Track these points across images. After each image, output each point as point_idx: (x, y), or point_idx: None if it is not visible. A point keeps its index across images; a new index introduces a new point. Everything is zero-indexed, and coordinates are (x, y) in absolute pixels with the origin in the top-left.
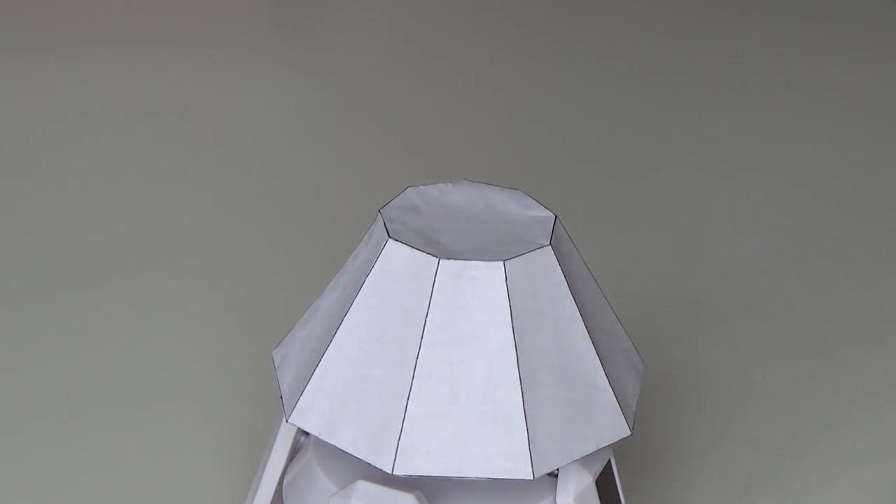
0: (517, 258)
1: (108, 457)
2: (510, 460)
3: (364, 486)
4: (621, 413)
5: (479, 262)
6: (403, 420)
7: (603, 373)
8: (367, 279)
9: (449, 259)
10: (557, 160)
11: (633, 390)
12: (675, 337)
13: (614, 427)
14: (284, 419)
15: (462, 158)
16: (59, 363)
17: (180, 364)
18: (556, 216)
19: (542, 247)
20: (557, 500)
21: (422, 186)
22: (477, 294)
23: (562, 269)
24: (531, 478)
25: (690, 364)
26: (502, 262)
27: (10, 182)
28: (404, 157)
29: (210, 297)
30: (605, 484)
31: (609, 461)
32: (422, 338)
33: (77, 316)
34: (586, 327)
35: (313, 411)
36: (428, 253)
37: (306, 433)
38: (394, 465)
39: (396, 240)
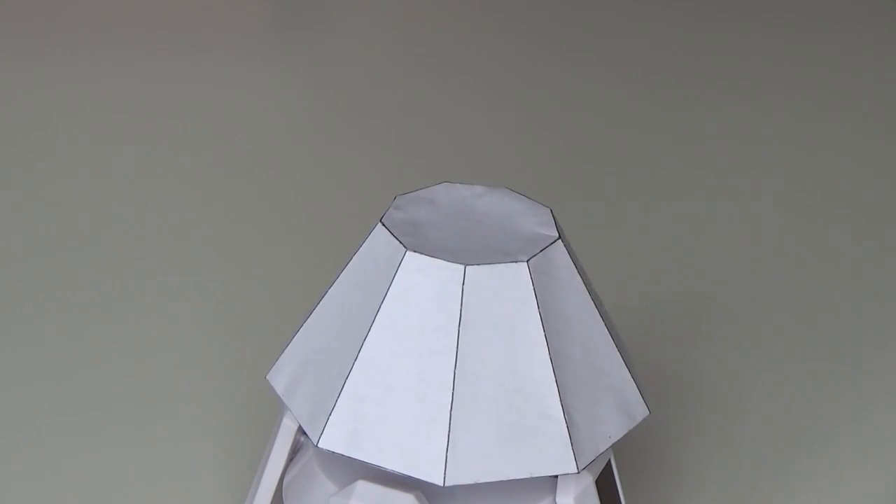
0: (482, 266)
1: (107, 457)
2: (425, 462)
3: (364, 486)
4: (570, 448)
5: (442, 262)
6: (338, 397)
7: (559, 403)
8: (354, 257)
9: (416, 252)
10: (558, 160)
11: (609, 432)
12: (675, 337)
13: (557, 460)
14: (284, 418)
15: (462, 159)
16: (59, 364)
17: (180, 364)
18: (558, 237)
19: (515, 261)
20: (557, 501)
21: (458, 184)
22: (433, 292)
23: (535, 289)
24: (441, 484)
25: (690, 364)
26: (463, 266)
27: (9, 182)
28: (404, 157)
29: (210, 297)
30: (605, 484)
31: (609, 461)
32: (373, 323)
33: (76, 316)
34: (552, 354)
35: (284, 373)
36: (400, 242)
37: (306, 433)
38: (319, 438)
39: (383, 224)
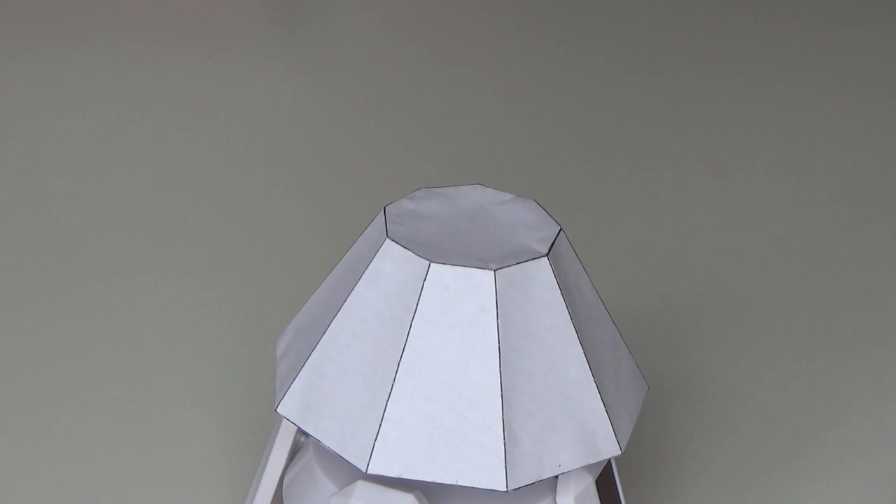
0: (448, 266)
1: (108, 457)
2: (356, 446)
3: (364, 486)
4: (503, 465)
5: (411, 254)
6: (302, 367)
7: (501, 418)
8: (358, 239)
9: (393, 241)
10: (558, 160)
11: (561, 461)
12: (674, 338)
13: (487, 474)
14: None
15: (462, 158)
16: (59, 364)
17: (180, 364)
18: (544, 254)
19: (483, 268)
20: (557, 500)
21: (489, 188)
22: (399, 282)
23: (497, 300)
24: (364, 470)
25: (690, 365)
26: (428, 262)
27: (9, 183)
28: (404, 157)
29: (210, 297)
30: (605, 484)
31: (609, 461)
32: (344, 302)
33: (77, 316)
34: (503, 367)
35: (284, 339)
36: (386, 230)
37: (306, 433)
38: (279, 403)
39: (384, 212)
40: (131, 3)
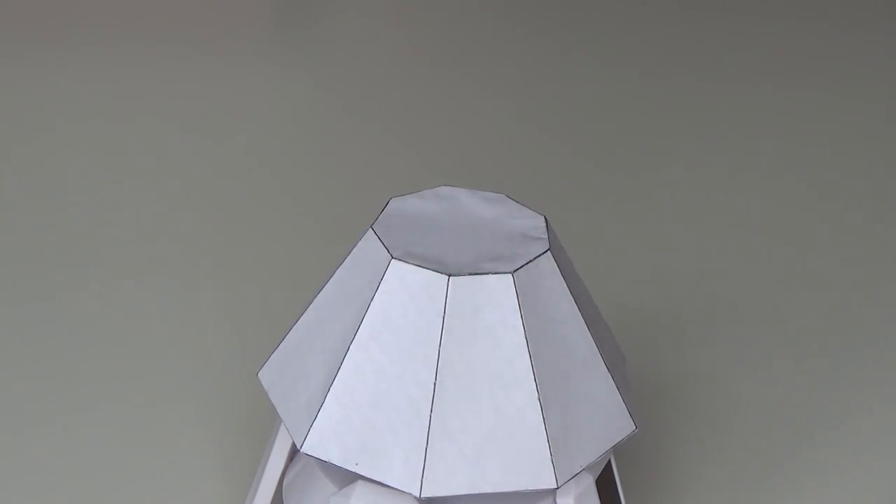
0: (370, 239)
1: (107, 457)
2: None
3: (364, 487)
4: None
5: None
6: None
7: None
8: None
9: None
10: (555, 161)
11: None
12: (671, 338)
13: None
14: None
15: (462, 159)
16: (58, 365)
17: (180, 364)
18: (446, 276)
19: (391, 253)
20: (557, 501)
21: (525, 207)
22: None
23: (375, 296)
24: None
25: (688, 365)
26: (371, 229)
27: (7, 184)
28: (403, 158)
29: (209, 298)
30: (605, 484)
31: (609, 461)
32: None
33: (75, 318)
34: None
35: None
36: (380, 213)
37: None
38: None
39: (412, 194)
40: (131, 4)
